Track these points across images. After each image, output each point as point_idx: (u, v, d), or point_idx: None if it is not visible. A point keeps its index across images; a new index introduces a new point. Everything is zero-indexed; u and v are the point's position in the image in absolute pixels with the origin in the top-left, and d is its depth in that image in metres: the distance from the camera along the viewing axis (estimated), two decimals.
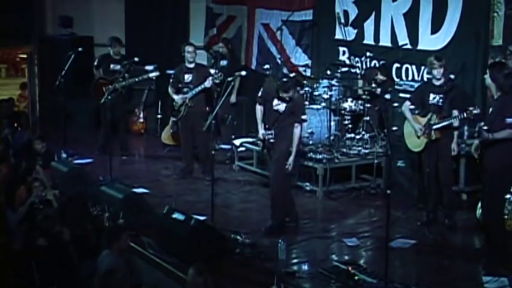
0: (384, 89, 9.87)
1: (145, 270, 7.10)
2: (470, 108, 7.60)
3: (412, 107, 8.32)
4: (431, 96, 8.08)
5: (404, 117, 8.48)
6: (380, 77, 9.98)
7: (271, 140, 7.94)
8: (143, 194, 9.05)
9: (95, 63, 11.43)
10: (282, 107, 7.96)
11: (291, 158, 7.93)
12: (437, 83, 8.08)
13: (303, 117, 8.09)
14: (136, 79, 11.10)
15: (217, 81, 9.92)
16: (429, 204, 8.28)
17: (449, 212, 8.19)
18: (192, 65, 10.01)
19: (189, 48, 10.00)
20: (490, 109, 7.19)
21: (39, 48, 14.13)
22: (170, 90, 10.16)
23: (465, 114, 7.65)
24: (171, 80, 10.23)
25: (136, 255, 7.28)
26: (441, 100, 8.00)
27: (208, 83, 9.80)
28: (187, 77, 10.00)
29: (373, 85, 9.93)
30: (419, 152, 8.23)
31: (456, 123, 7.91)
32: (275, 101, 8.00)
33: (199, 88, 9.85)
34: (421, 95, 8.25)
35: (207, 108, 10.41)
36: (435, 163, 8.10)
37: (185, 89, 9.96)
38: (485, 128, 6.92)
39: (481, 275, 6.93)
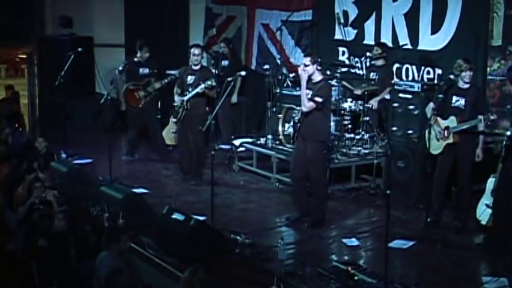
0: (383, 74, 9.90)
1: (145, 270, 7.10)
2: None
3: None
4: (454, 98, 7.91)
5: (406, 118, 8.41)
6: (376, 52, 9.99)
7: (296, 118, 7.96)
8: (143, 194, 9.04)
9: (120, 68, 11.19)
10: (309, 95, 8.10)
11: None
12: (464, 86, 7.88)
13: (316, 98, 7.98)
14: (167, 79, 10.96)
15: (208, 86, 9.80)
16: (434, 206, 8.18)
17: (463, 216, 8.10)
18: (196, 67, 9.96)
19: (195, 51, 9.92)
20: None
21: (39, 49, 14.12)
22: (175, 90, 10.16)
23: (495, 116, 7.40)
24: (177, 80, 10.24)
25: (136, 255, 7.28)
26: (464, 103, 7.86)
27: (200, 89, 9.73)
28: (190, 79, 9.94)
29: (370, 61, 10.03)
30: (437, 155, 8.04)
31: (482, 127, 7.74)
32: (306, 91, 8.21)
33: (194, 92, 9.79)
34: (443, 97, 7.98)
35: (207, 109, 10.41)
36: (449, 166, 8.02)
37: (186, 91, 9.95)
38: None
39: (481, 275, 6.94)
